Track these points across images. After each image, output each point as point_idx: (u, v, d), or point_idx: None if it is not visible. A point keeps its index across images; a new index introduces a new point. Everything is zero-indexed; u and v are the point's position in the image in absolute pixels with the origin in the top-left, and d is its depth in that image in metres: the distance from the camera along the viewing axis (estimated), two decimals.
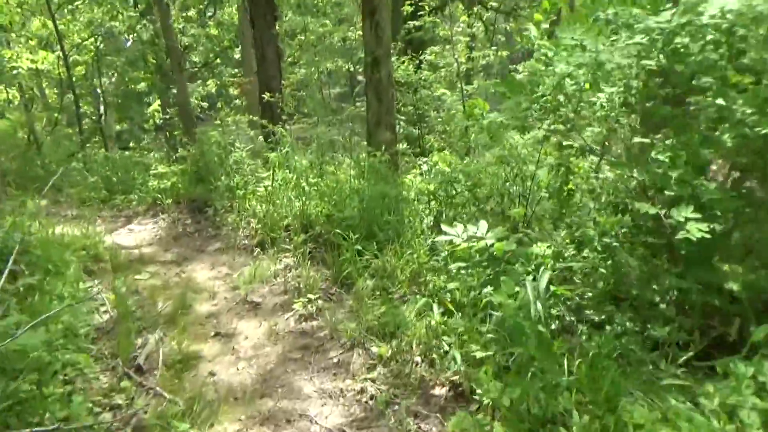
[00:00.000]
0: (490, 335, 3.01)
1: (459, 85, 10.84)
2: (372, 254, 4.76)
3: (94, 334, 4.00)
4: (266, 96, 7.92)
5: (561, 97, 3.12)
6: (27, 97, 13.59)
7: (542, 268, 3.12)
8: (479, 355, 2.82)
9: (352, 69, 20.82)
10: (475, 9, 13.74)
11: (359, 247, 4.77)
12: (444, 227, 3.90)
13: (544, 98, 3.14)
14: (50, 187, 8.04)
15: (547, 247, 3.70)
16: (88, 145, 12.65)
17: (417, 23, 13.60)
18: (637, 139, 2.71)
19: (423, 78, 10.38)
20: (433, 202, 5.39)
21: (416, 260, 4.44)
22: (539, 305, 2.89)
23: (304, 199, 5.97)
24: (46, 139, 12.13)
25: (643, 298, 3.27)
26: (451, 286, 3.61)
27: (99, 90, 16.42)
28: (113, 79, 16.88)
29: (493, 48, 13.71)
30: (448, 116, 10.64)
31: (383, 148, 7.89)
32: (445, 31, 10.67)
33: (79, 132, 10.33)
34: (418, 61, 10.64)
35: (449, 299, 3.64)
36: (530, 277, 3.17)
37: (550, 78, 3.06)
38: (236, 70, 23.22)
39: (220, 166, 7.04)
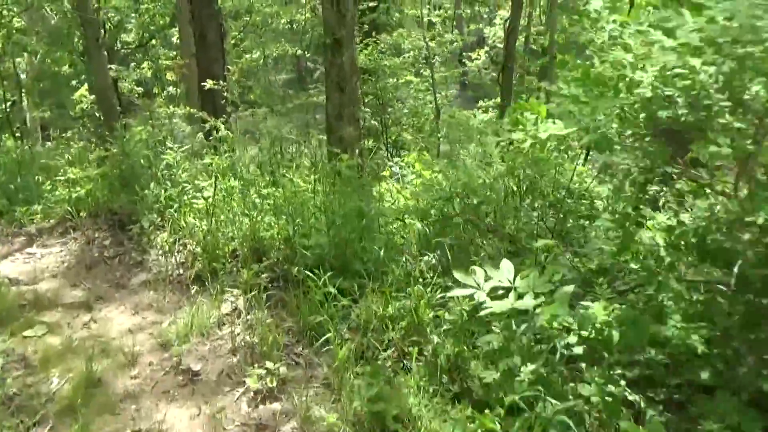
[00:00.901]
0: None
1: (427, 72, 9.72)
2: (349, 299, 3.60)
3: None
4: (208, 83, 6.52)
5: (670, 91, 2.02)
6: None
7: None
8: None
9: (299, 54, 19.43)
10: None
11: (332, 289, 3.59)
12: (458, 275, 2.77)
13: (638, 98, 2.05)
14: None
15: (607, 307, 2.64)
16: None
17: (372, 4, 12.44)
18: None
19: (387, 64, 9.20)
20: (420, 223, 4.23)
21: (412, 310, 3.30)
22: None
23: (254, 215, 4.73)
24: None
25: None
26: (487, 377, 2.48)
27: (21, 73, 14.42)
28: (35, 60, 14.89)
29: (455, 32, 12.66)
30: (415, 107, 9.52)
31: (345, 145, 6.75)
32: (413, 10, 9.48)
33: None
34: (381, 45, 9.44)
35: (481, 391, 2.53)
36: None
37: (654, 59, 1.95)
38: (174, 53, 21.33)
39: (149, 170, 5.67)
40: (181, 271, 4.61)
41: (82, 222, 5.62)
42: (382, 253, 3.97)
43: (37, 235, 5.63)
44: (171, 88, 7.61)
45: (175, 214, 5.20)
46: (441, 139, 8.49)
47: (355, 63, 7.39)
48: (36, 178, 6.41)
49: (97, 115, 7.75)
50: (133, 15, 10.64)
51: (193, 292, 4.23)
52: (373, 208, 4.52)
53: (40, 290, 4.44)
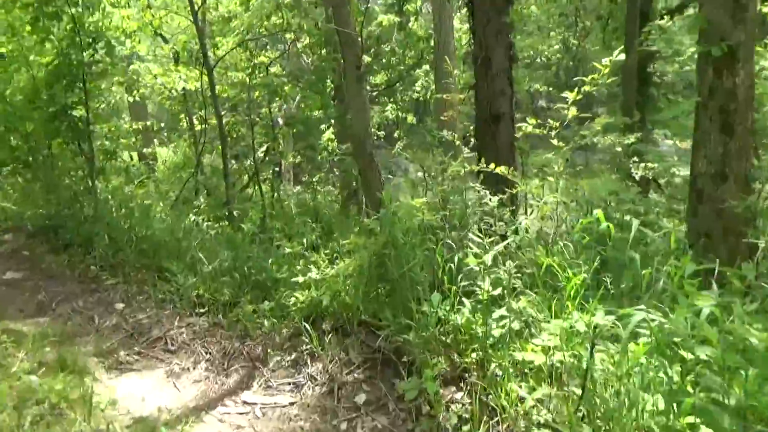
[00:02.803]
0: None
1: None
2: None
3: None
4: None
5: None
6: (199, 126, 11.46)
7: None
8: None
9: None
10: None
11: None
12: None
13: None
14: (159, 276, 5.08)
15: None
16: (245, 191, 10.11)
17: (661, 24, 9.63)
18: None
19: None
20: None
21: None
22: None
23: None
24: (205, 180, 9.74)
25: None
26: None
27: (278, 119, 14.19)
28: (293, 107, 14.63)
29: None
30: None
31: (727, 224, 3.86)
32: None
33: (225, 176, 7.47)
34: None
35: None
36: None
37: None
38: (415, 96, 20.12)
39: (426, 271, 3.39)
40: None
41: (323, 345, 3.54)
42: None
43: (261, 359, 3.69)
44: (445, 134, 5.42)
45: (481, 365, 2.81)
46: None
47: (752, 88, 4.38)
48: (271, 264, 4.61)
49: (354, 172, 5.85)
50: (396, 36, 9.11)
51: None
52: None
53: None
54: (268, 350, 3.74)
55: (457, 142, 4.92)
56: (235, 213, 7.59)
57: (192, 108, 10.27)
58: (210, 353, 3.86)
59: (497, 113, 6.08)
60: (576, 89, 3.43)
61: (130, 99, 9.18)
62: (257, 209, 8.61)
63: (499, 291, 2.96)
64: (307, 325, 3.58)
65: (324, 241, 5.98)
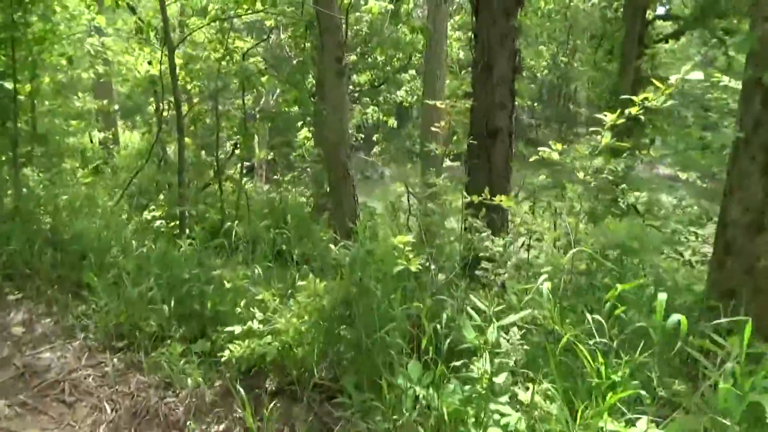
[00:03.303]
0: None
1: None
2: None
3: None
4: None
5: None
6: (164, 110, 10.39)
7: None
8: None
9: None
10: None
11: None
12: None
13: None
14: (76, 294, 4.19)
15: None
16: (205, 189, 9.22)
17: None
18: None
19: None
20: None
21: None
22: None
23: None
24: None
25: None
26: None
27: (253, 111, 13.24)
28: (271, 101, 13.68)
29: None
30: None
31: None
32: None
33: (179, 172, 6.53)
34: None
35: None
36: None
37: None
38: (398, 99, 19.28)
39: (400, 336, 2.59)
40: None
41: (261, 414, 2.70)
42: None
43: (180, 428, 2.83)
44: (433, 147, 4.65)
45: None
46: None
47: None
48: (213, 290, 3.74)
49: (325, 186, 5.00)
50: (387, 26, 8.33)
51: None
52: None
53: None
54: (191, 413, 2.89)
55: (449, 157, 4.12)
56: (194, 212, 6.71)
57: (160, 92, 9.31)
58: (117, 410, 2.98)
59: (494, 128, 5.31)
60: (618, 111, 2.67)
61: (90, 77, 8.21)
62: (216, 211, 7.70)
63: (503, 378, 2.17)
64: (241, 389, 2.73)
65: (289, 248, 5.15)
